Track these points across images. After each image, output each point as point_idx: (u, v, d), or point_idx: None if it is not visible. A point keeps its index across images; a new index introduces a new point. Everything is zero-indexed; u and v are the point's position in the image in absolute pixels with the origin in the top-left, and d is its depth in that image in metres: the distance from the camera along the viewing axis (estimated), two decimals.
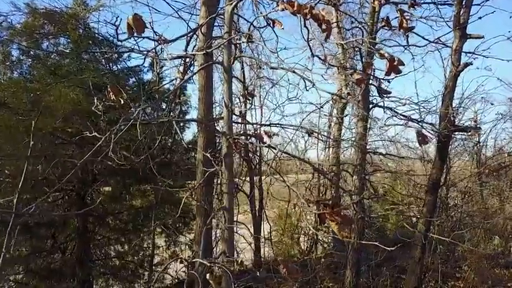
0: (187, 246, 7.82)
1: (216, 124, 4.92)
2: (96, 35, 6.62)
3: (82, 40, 6.23)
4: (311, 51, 3.18)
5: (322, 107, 5.95)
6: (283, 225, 11.27)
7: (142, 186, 7.03)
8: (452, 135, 5.09)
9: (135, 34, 2.52)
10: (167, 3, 5.00)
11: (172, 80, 5.45)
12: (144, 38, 2.66)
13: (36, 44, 6.55)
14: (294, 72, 2.92)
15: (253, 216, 9.46)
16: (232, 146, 3.06)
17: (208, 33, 3.76)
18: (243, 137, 3.36)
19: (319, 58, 3.39)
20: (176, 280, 7.29)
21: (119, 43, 7.19)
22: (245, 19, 4.55)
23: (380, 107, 5.09)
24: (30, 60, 6.45)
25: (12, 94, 5.63)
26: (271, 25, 2.69)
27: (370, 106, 5.20)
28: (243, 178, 9.37)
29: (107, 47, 6.89)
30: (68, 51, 6.40)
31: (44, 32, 6.64)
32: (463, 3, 4.91)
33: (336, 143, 7.04)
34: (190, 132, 17.44)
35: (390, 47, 5.33)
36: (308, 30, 2.94)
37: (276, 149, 3.45)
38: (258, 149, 8.07)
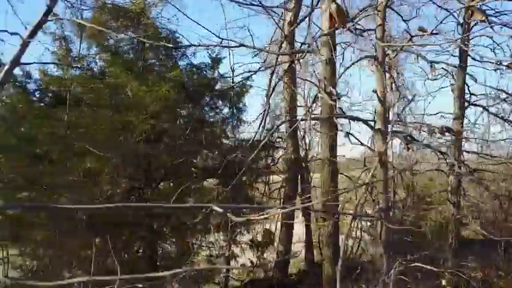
0: (248, 246, 7.68)
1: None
2: (164, 30, 6.49)
3: (151, 36, 6.10)
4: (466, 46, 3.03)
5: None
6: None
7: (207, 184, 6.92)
8: None
9: (336, 25, 2.37)
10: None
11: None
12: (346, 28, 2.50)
13: (105, 39, 6.43)
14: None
15: (304, 215, 9.35)
16: (387, 144, 2.91)
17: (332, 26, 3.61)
18: (399, 135, 3.22)
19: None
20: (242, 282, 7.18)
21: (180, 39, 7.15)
22: (398, 13, 4.36)
23: (476, 105, 4.93)
24: (105, 55, 6.31)
25: (90, 90, 5.50)
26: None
27: (466, 104, 5.04)
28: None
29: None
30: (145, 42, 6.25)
31: (111, 27, 6.51)
32: None
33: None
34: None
35: None
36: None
37: (432, 148, 3.29)
38: None
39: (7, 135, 5.53)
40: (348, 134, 3.33)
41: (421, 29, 3.01)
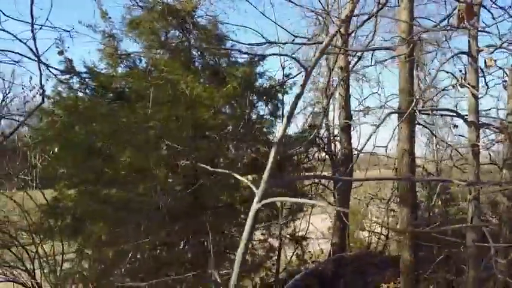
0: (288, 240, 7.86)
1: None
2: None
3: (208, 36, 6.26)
4: None
5: None
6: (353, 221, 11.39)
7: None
8: None
9: (465, 22, 2.52)
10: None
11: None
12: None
13: (157, 38, 6.59)
14: None
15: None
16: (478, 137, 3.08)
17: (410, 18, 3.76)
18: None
19: None
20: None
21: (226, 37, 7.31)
22: (490, 12, 4.44)
23: None
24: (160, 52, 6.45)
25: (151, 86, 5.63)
26: None
27: None
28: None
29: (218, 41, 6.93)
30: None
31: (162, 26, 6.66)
32: None
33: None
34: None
35: None
36: None
37: None
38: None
39: (69, 132, 5.70)
40: (455, 126, 3.52)
41: None
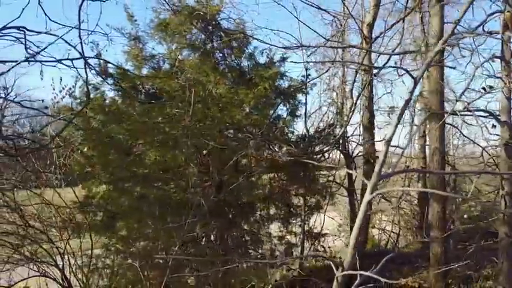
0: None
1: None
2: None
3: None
4: None
5: None
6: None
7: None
8: None
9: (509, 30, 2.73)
10: None
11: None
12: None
13: (184, 40, 6.78)
14: None
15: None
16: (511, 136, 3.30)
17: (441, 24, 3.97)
18: None
19: None
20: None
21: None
22: None
23: None
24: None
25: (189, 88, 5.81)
26: None
27: None
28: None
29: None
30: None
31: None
32: None
33: None
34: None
35: None
36: None
37: None
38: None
39: (102, 132, 5.92)
40: (494, 126, 3.74)
41: None
